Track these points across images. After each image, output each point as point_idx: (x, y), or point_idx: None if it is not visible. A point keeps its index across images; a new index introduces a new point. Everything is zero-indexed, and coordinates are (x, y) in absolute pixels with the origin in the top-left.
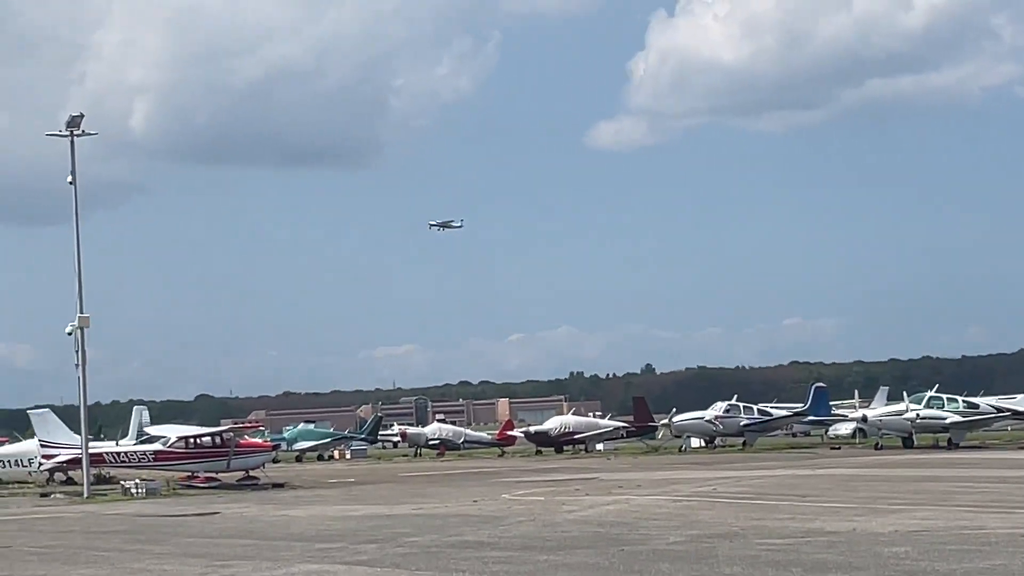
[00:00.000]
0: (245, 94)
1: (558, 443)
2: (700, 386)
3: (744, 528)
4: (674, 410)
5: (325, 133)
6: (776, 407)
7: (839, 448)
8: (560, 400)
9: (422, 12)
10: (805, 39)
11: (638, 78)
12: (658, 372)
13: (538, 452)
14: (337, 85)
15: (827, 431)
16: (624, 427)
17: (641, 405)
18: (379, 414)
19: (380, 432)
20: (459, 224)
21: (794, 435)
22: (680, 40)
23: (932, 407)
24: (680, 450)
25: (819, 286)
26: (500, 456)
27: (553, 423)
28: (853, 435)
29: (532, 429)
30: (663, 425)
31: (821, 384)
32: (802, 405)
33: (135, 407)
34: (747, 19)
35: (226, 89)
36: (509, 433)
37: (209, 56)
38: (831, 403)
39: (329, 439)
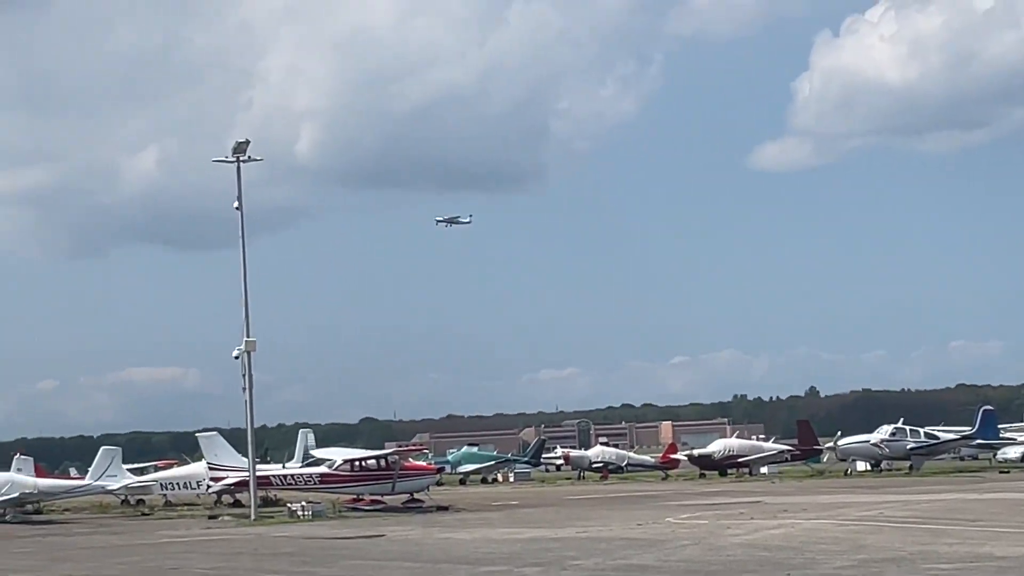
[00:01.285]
0: (409, 118)
1: (722, 466)
2: (865, 409)
3: (912, 553)
4: (839, 433)
5: (488, 157)
6: (943, 430)
7: (1008, 472)
8: (723, 423)
9: (586, 35)
10: (972, 58)
11: (802, 98)
12: (822, 395)
13: (702, 475)
14: (500, 109)
15: (995, 455)
16: (788, 450)
17: (805, 428)
18: (542, 437)
19: (543, 455)
20: (468, 220)
21: (961, 459)
22: (845, 60)
23: None
24: (845, 473)
25: (986, 308)
26: (663, 479)
27: (717, 446)
28: (1023, 459)
29: (696, 452)
30: (828, 448)
31: (989, 407)
32: (969, 428)
33: (301, 430)
34: (913, 38)
35: (390, 113)
36: (672, 456)
37: (374, 81)
38: (999, 426)
39: (492, 462)
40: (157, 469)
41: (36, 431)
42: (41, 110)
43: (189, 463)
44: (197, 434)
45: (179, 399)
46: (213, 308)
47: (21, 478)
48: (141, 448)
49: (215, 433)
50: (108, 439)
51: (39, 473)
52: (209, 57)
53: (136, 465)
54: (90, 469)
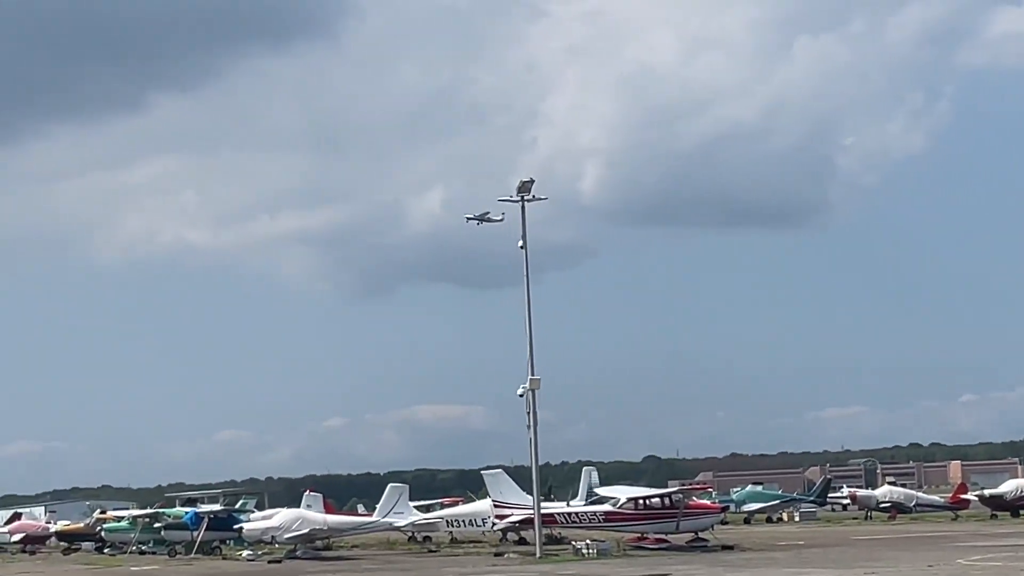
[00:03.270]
0: (693, 155)
1: (1015, 507)
2: None
3: None
4: None
5: (771, 193)
6: None
7: None
8: (1015, 463)
9: (874, 68)
10: None
11: None
12: None
13: (993, 516)
14: (784, 144)
15: None
16: None
17: None
18: (828, 476)
19: (829, 494)
20: (500, 218)
21: None
22: None
23: None
24: None
25: None
26: (953, 520)
27: (1009, 486)
28: None
29: (987, 492)
30: None
31: None
32: None
33: (584, 468)
34: None
35: (674, 150)
36: (963, 496)
37: (658, 118)
38: None
39: (777, 501)
40: (443, 506)
41: (324, 468)
42: (330, 151)
43: (475, 500)
44: (482, 471)
45: (464, 436)
46: (498, 346)
47: (311, 514)
48: (427, 485)
49: (500, 471)
50: (395, 476)
51: (328, 510)
52: (494, 97)
53: (422, 502)
54: (377, 506)
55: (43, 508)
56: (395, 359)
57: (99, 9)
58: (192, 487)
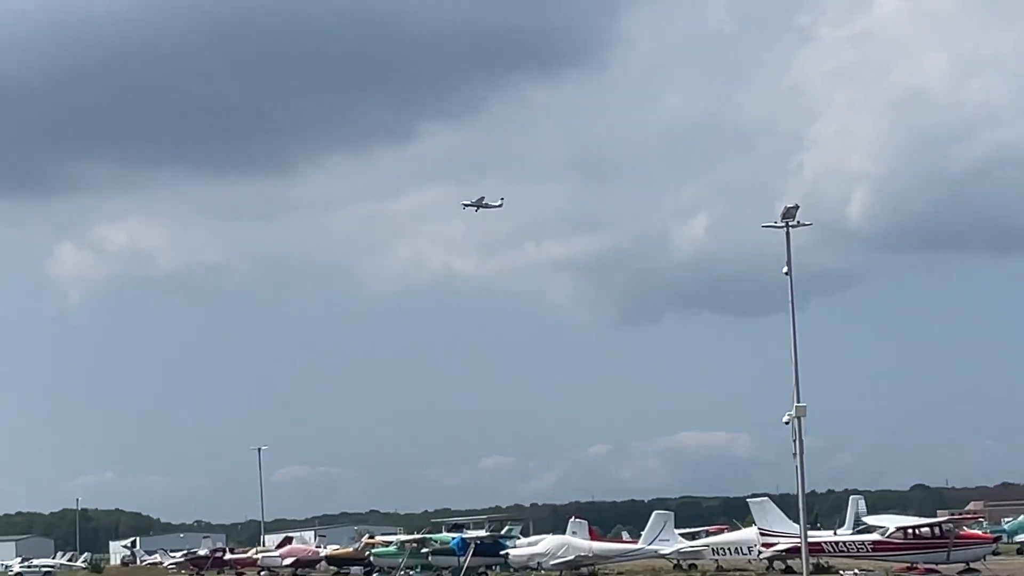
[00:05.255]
0: (964, 179)
1: None
2: None
3: None
4: None
5: None
6: None
7: None
8: None
9: None
10: None
11: None
12: None
13: None
14: None
15: None
16: None
17: None
18: None
19: None
20: (498, 204)
21: None
22: None
23: None
24: None
25: None
26: None
27: None
28: None
29: None
30: None
31: None
32: None
33: (851, 496)
34: None
35: (945, 175)
36: None
37: (929, 141)
38: None
39: None
40: (708, 534)
41: (588, 495)
42: (595, 178)
43: (740, 528)
44: (748, 499)
45: (729, 464)
46: (763, 373)
47: (576, 541)
48: (691, 513)
49: (766, 499)
50: (659, 503)
51: (593, 536)
52: (760, 122)
53: (687, 530)
54: (642, 533)
55: (313, 532)
56: (659, 386)
57: (369, 41)
58: (458, 513)
